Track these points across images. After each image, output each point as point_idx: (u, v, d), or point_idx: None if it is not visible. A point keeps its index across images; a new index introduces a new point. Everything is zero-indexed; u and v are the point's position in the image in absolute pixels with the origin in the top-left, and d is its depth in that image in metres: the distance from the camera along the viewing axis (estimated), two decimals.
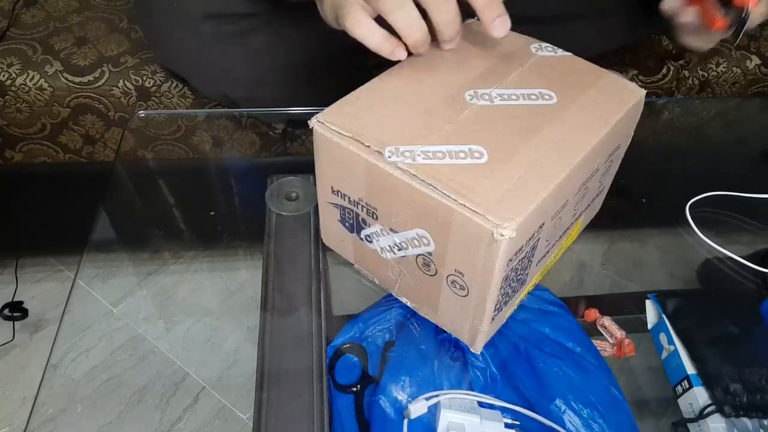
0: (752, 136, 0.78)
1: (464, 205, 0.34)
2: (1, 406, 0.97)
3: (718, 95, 0.96)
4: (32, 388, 0.95)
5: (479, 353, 0.46)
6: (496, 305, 0.40)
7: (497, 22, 0.42)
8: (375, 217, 0.41)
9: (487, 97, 0.42)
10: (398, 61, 0.43)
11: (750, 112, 0.88)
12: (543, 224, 0.39)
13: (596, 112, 0.42)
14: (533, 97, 0.42)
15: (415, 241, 0.40)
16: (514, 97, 0.43)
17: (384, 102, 0.42)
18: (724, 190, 0.62)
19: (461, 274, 0.38)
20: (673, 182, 0.68)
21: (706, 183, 0.62)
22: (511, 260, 0.37)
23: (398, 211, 0.39)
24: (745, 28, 0.50)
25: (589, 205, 0.50)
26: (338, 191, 0.43)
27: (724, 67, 0.93)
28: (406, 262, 0.43)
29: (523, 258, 0.39)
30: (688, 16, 0.55)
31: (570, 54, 0.47)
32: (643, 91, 0.44)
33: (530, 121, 0.41)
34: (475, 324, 0.41)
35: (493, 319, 0.42)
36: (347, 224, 0.45)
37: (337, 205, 0.45)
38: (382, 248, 0.44)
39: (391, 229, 0.41)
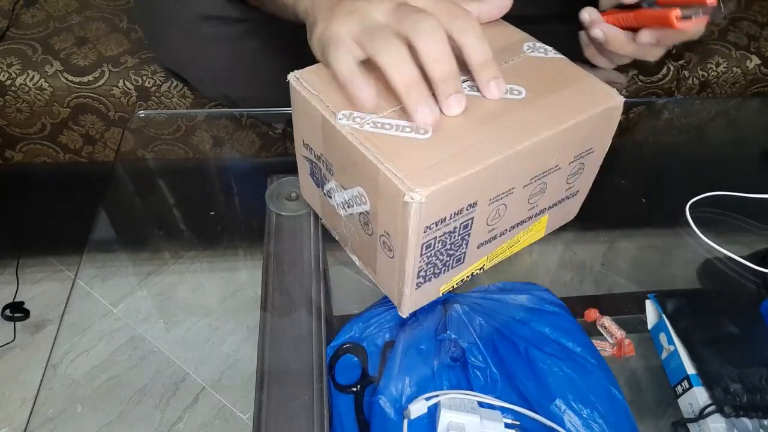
0: (752, 136, 0.78)
1: (389, 168, 0.37)
2: (1, 406, 0.97)
3: (718, 95, 0.96)
4: (32, 388, 0.95)
5: (406, 314, 0.47)
6: (420, 272, 0.42)
7: (492, 83, 0.41)
8: (331, 173, 0.45)
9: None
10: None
11: (750, 112, 0.88)
12: (475, 204, 0.40)
13: (559, 110, 0.42)
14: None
15: (357, 199, 0.42)
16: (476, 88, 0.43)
17: None
18: (724, 190, 0.62)
19: (388, 235, 0.41)
20: (673, 182, 0.68)
21: (706, 183, 0.62)
22: (430, 228, 0.39)
23: (345, 168, 0.42)
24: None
25: (555, 205, 0.49)
26: (307, 145, 0.46)
27: (724, 67, 0.93)
28: (353, 220, 0.45)
29: (452, 233, 0.41)
30: (598, 32, 0.52)
31: (562, 57, 0.47)
32: (621, 99, 0.44)
33: (489, 110, 0.42)
34: (401, 287, 0.43)
35: (418, 286, 0.44)
36: (315, 178, 0.49)
37: (307, 158, 0.48)
38: (337, 204, 0.46)
39: (341, 186, 0.44)
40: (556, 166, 0.44)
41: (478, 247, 0.46)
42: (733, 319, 0.49)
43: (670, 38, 0.51)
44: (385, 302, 0.51)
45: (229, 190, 0.70)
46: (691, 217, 0.60)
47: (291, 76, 0.44)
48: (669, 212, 0.62)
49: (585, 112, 0.42)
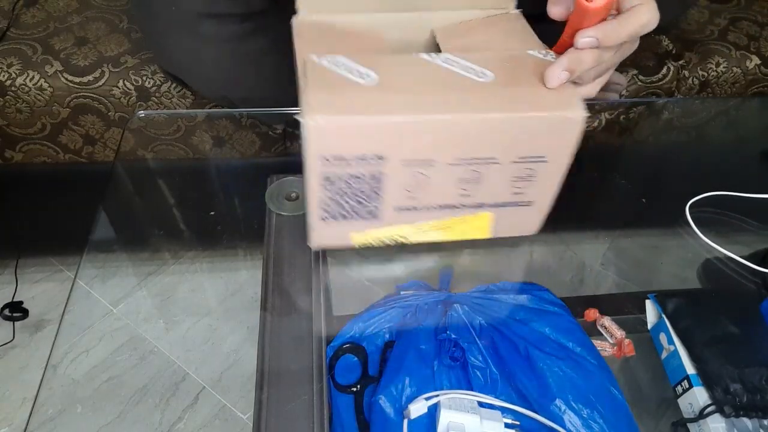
0: (752, 136, 0.78)
1: (309, 95, 0.39)
2: (1, 406, 0.97)
3: (718, 95, 0.96)
4: (32, 388, 0.96)
5: (313, 245, 0.49)
6: (323, 204, 0.45)
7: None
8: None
9: (437, 58, 0.45)
10: None
11: (750, 112, 0.88)
12: (382, 157, 0.41)
13: (509, 101, 0.42)
14: (471, 70, 0.44)
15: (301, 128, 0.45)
16: (455, 64, 0.44)
17: (362, 35, 0.46)
18: (724, 190, 0.62)
19: (305, 158, 0.43)
20: (673, 182, 0.68)
21: (706, 183, 0.62)
22: (328, 160, 0.41)
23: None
24: None
25: (500, 206, 0.48)
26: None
27: (724, 67, 0.93)
28: None
29: (359, 179, 0.43)
30: (559, 77, 0.44)
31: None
32: (583, 114, 0.42)
33: (448, 82, 0.42)
34: (309, 216, 0.46)
35: (323, 219, 0.46)
36: None
37: None
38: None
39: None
40: (492, 159, 0.44)
41: (396, 211, 0.46)
42: (733, 319, 0.49)
43: (611, 36, 0.44)
44: (385, 302, 0.51)
45: (229, 190, 0.70)
46: (691, 217, 0.60)
47: (299, 5, 0.48)
48: (669, 212, 0.62)
49: (535, 111, 0.42)
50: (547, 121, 0.42)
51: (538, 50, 0.47)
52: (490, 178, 0.45)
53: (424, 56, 0.45)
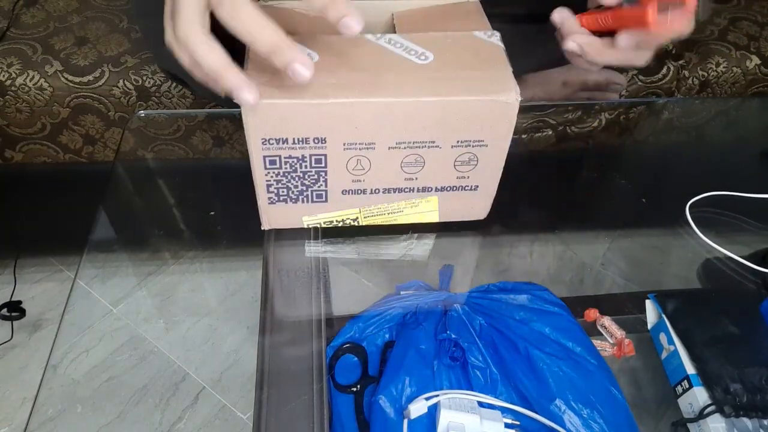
0: (752, 136, 0.78)
1: (252, 77, 0.38)
2: (1, 406, 0.97)
3: (718, 95, 0.96)
4: (32, 388, 0.96)
5: (265, 226, 0.51)
6: (269, 187, 0.46)
7: (343, 22, 0.37)
8: None
9: (381, 39, 0.45)
10: None
11: (750, 112, 0.88)
12: (324, 140, 0.42)
13: (446, 84, 0.42)
14: (413, 52, 0.44)
15: None
16: (398, 45, 0.44)
17: (318, 18, 0.47)
18: (724, 190, 0.62)
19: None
20: (673, 182, 0.68)
21: (706, 183, 0.62)
22: (269, 142, 0.42)
23: None
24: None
25: (446, 190, 0.49)
26: None
27: (724, 67, 0.93)
28: None
29: (303, 161, 0.44)
30: (571, 44, 0.47)
31: (500, 45, 0.46)
32: (517, 97, 0.42)
33: (383, 62, 0.43)
34: (258, 200, 0.48)
35: (271, 201, 0.47)
36: None
37: None
38: None
39: None
40: (433, 142, 0.44)
41: (343, 194, 0.47)
42: (733, 319, 0.49)
43: (651, 40, 0.45)
44: (385, 302, 0.51)
45: (229, 190, 0.69)
46: (691, 217, 0.60)
47: None
48: (669, 212, 0.62)
49: (469, 95, 0.42)
50: (480, 105, 0.42)
51: (484, 32, 0.47)
52: (432, 162, 0.46)
53: (369, 37, 0.45)
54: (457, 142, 0.45)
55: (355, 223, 0.51)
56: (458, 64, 0.44)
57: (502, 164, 0.47)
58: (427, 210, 0.51)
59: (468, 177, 0.48)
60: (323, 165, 0.45)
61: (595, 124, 0.80)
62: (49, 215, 1.03)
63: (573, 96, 0.81)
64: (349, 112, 0.41)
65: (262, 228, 0.51)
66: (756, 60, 0.93)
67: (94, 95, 0.84)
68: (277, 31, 0.36)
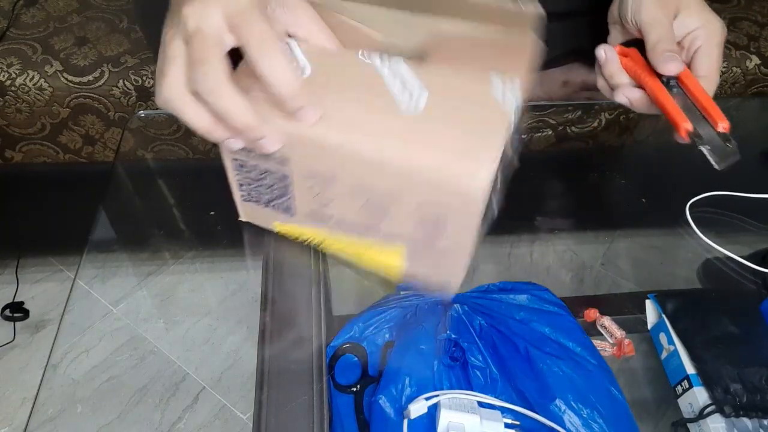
0: (752, 136, 0.78)
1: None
2: (1, 406, 0.97)
3: (718, 95, 0.95)
4: (32, 388, 0.96)
5: (242, 217, 0.51)
6: (241, 185, 0.46)
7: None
8: None
9: (386, 64, 0.41)
10: None
11: (750, 112, 0.88)
12: (287, 161, 0.41)
13: (416, 144, 0.37)
14: (407, 93, 0.40)
15: None
16: (398, 77, 0.40)
17: (355, 28, 0.45)
18: (724, 190, 0.62)
19: None
20: (673, 182, 0.68)
21: (706, 183, 0.62)
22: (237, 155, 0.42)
23: None
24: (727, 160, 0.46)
25: (413, 245, 0.43)
26: None
27: (724, 67, 0.93)
28: None
29: (268, 174, 0.43)
30: (623, 98, 0.50)
31: (503, 111, 0.39)
32: (481, 186, 0.36)
33: (372, 101, 0.39)
34: (232, 193, 0.48)
35: (244, 199, 0.48)
36: None
37: None
38: None
39: None
40: (391, 194, 0.39)
41: (308, 214, 0.46)
42: (733, 319, 0.49)
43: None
44: (385, 302, 0.51)
45: (229, 190, 0.70)
46: (691, 217, 0.60)
47: None
48: (669, 212, 0.62)
49: (428, 162, 0.36)
50: (438, 181, 0.37)
51: (503, 87, 0.40)
52: (395, 213, 0.41)
53: (376, 60, 0.41)
54: (416, 204, 0.39)
55: (321, 248, 0.49)
56: (447, 117, 0.38)
57: (475, 232, 0.40)
58: (390, 260, 0.45)
59: (436, 237, 0.41)
60: (287, 183, 0.43)
61: (595, 124, 0.80)
62: (49, 215, 1.03)
63: (573, 96, 0.81)
64: (311, 146, 0.39)
65: (239, 219, 0.51)
66: (756, 60, 0.93)
67: (94, 95, 0.84)
68: (251, 110, 0.37)
